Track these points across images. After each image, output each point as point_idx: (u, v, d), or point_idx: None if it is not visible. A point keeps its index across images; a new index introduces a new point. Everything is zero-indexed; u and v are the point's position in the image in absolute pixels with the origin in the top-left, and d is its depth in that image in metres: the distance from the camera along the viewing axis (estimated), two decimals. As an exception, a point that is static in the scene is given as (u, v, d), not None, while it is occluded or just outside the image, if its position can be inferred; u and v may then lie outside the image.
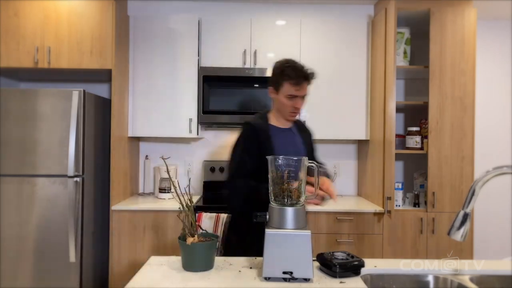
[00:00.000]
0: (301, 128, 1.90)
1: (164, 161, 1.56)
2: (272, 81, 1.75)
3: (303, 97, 1.73)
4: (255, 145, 1.68)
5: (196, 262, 1.32)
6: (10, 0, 2.65)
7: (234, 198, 1.77)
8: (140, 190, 3.27)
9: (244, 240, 1.70)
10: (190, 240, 1.31)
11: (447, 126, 2.69)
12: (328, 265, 1.29)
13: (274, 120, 1.80)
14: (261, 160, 1.50)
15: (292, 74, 1.67)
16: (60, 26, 2.67)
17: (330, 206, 2.71)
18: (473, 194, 1.13)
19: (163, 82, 2.95)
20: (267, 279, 1.24)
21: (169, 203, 2.79)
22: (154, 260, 1.45)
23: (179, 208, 1.38)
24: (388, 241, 2.67)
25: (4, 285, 2.47)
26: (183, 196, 1.39)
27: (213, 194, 3.13)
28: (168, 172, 1.54)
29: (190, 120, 2.92)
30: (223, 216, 2.52)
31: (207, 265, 1.34)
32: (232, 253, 1.59)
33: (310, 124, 2.92)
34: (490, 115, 3.29)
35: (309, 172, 1.40)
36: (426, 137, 2.74)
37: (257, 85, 2.87)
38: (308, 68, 1.71)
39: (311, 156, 1.83)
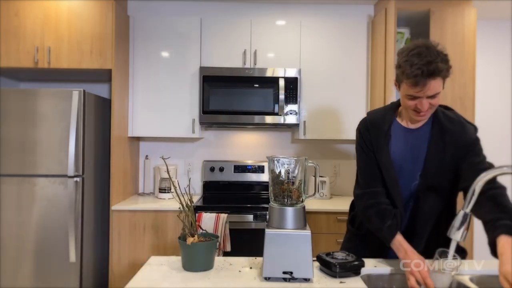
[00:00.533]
0: (445, 132, 1.35)
1: (164, 161, 1.57)
2: (396, 72, 1.33)
3: (432, 97, 1.27)
4: (367, 154, 1.41)
5: (196, 262, 1.32)
6: (10, 0, 2.65)
7: (364, 214, 1.46)
8: (140, 190, 3.27)
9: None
10: (190, 240, 1.31)
11: (447, 126, 2.68)
12: (328, 265, 1.29)
13: (402, 116, 1.42)
14: (381, 161, 1.34)
15: (411, 72, 1.22)
16: (60, 26, 2.67)
17: (330, 206, 2.71)
18: (473, 194, 1.12)
19: (163, 82, 2.95)
20: (267, 279, 1.24)
21: (169, 203, 2.79)
22: (154, 260, 1.45)
23: (179, 208, 1.38)
24: (388, 241, 2.67)
25: (4, 285, 2.47)
26: (183, 196, 1.39)
27: (213, 194, 3.13)
28: (168, 172, 1.54)
29: (193, 120, 2.93)
30: (223, 216, 2.53)
31: (207, 265, 1.34)
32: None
33: (310, 124, 2.96)
34: (490, 115, 3.29)
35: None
36: (426, 137, 2.74)
37: (257, 85, 2.87)
38: (438, 57, 1.22)
39: (440, 169, 1.32)
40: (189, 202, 1.39)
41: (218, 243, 1.57)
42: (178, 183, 1.58)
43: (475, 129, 1.38)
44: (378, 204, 1.37)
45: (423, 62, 1.21)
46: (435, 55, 1.22)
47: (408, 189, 1.39)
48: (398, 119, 1.43)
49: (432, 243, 1.32)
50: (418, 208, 1.38)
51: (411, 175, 1.37)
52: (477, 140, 1.34)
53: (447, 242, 1.16)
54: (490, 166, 1.27)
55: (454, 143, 1.33)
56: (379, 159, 1.39)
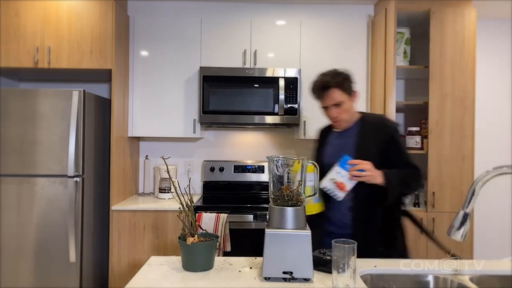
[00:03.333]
0: (368, 128, 1.66)
1: (164, 161, 1.57)
2: None
3: (336, 105, 1.63)
4: (317, 149, 1.82)
5: (196, 262, 1.32)
6: (10, 0, 2.65)
7: None
8: (140, 190, 3.27)
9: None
10: (190, 240, 1.31)
11: (447, 126, 2.68)
12: (324, 262, 1.29)
13: None
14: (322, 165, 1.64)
15: (313, 87, 1.67)
16: (60, 26, 2.67)
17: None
18: (473, 194, 1.13)
19: (163, 82, 2.95)
20: (267, 279, 1.24)
21: (169, 203, 2.79)
22: (154, 260, 1.45)
23: (179, 208, 1.38)
24: (388, 241, 2.67)
25: (4, 285, 2.47)
26: (183, 196, 1.39)
27: (213, 194, 3.13)
28: (168, 172, 1.54)
29: (194, 120, 2.93)
30: (223, 216, 2.53)
31: (207, 265, 1.34)
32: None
33: (310, 125, 2.96)
34: (490, 115, 3.29)
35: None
36: (426, 137, 2.74)
37: (257, 85, 2.87)
38: (330, 76, 1.63)
39: (368, 160, 1.55)
40: (189, 202, 1.39)
41: (218, 243, 1.57)
42: (178, 183, 1.58)
43: (396, 124, 1.71)
44: None
45: (319, 79, 1.65)
46: (328, 74, 1.64)
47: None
48: (334, 129, 1.78)
49: (376, 224, 1.61)
50: (358, 195, 1.60)
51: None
52: (396, 132, 1.65)
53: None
54: (408, 158, 1.62)
55: (377, 136, 1.63)
56: (319, 160, 1.71)
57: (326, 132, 1.82)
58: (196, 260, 1.32)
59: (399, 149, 1.63)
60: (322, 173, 1.57)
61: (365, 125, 1.67)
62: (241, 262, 1.43)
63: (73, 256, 2.47)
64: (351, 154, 1.57)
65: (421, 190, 1.75)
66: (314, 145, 1.89)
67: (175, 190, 1.43)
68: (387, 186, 1.52)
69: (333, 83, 1.60)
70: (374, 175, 1.50)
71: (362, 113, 1.74)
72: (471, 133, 2.68)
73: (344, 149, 1.63)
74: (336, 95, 1.61)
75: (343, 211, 1.64)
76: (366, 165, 1.50)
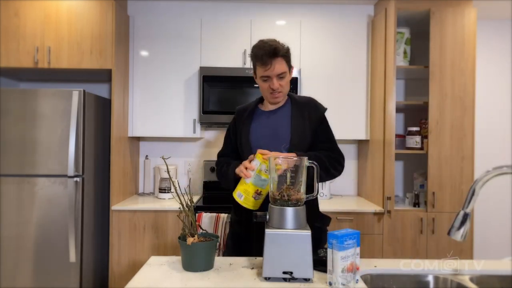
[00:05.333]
0: (301, 108, 1.65)
1: (165, 161, 1.57)
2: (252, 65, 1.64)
3: (279, 76, 1.55)
4: (233, 129, 1.71)
5: (196, 262, 1.32)
6: (10, 0, 2.65)
7: (218, 176, 1.80)
8: (140, 190, 3.27)
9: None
10: (190, 240, 1.31)
11: (447, 126, 2.68)
12: (323, 261, 1.29)
13: (265, 103, 1.71)
14: (240, 142, 1.64)
15: (258, 53, 1.53)
16: (60, 26, 2.67)
17: (330, 206, 2.71)
18: (473, 194, 1.13)
19: (163, 82, 2.95)
20: (267, 279, 1.24)
21: (169, 203, 2.79)
22: (154, 260, 1.45)
23: (179, 208, 1.38)
24: (388, 241, 2.67)
25: (4, 285, 2.47)
26: (183, 196, 1.39)
27: (213, 194, 3.13)
28: (168, 172, 1.54)
29: (194, 120, 2.93)
30: (223, 216, 2.52)
31: (207, 265, 1.34)
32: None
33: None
34: (490, 115, 3.30)
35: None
36: (426, 137, 2.74)
37: (257, 85, 2.86)
38: (277, 43, 1.55)
39: (303, 139, 1.59)
40: (189, 202, 1.39)
41: (218, 243, 1.57)
42: (178, 183, 1.58)
43: (325, 108, 1.69)
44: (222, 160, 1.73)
45: (267, 45, 1.53)
46: (275, 41, 1.56)
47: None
48: (261, 107, 1.71)
49: (313, 202, 1.62)
50: None
51: (275, 149, 1.50)
52: (325, 117, 1.67)
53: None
54: (335, 143, 1.67)
55: (310, 117, 1.62)
56: (240, 140, 1.66)
57: (249, 111, 1.69)
58: (196, 260, 1.32)
59: (328, 131, 1.67)
60: (247, 153, 1.57)
61: (297, 105, 1.65)
62: (241, 262, 1.43)
63: (73, 256, 2.47)
64: (287, 134, 1.58)
65: (337, 175, 1.70)
66: (230, 125, 1.76)
67: (175, 190, 1.43)
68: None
69: (282, 51, 1.53)
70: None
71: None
72: (471, 133, 2.68)
73: (278, 129, 1.61)
74: (283, 65, 1.55)
75: None
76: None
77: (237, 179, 1.53)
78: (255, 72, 1.63)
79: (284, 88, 1.59)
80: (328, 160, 1.59)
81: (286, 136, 1.58)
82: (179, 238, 1.35)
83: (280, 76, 1.55)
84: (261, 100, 1.74)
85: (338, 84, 2.99)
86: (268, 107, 1.69)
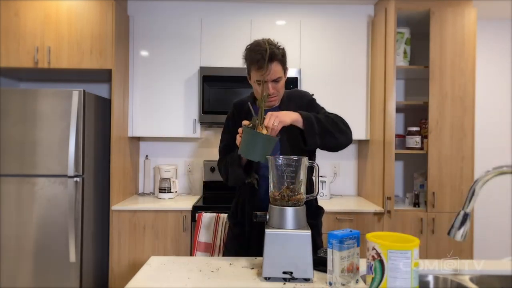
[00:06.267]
0: (289, 100, 1.63)
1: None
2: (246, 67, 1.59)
3: (274, 81, 1.51)
4: (233, 124, 1.63)
5: (256, 151, 1.30)
6: (10, 0, 2.65)
7: (222, 175, 1.70)
8: (140, 190, 3.27)
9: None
10: (260, 128, 1.29)
11: (447, 126, 2.69)
12: (324, 262, 1.29)
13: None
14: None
15: (254, 57, 1.47)
16: (60, 26, 2.67)
17: (330, 206, 2.71)
18: (473, 194, 1.13)
19: (163, 82, 2.95)
20: (267, 279, 1.24)
21: (169, 203, 2.79)
22: (154, 260, 1.46)
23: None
24: (388, 241, 2.67)
25: (4, 285, 2.47)
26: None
27: (213, 194, 3.13)
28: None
29: (194, 120, 2.93)
30: (223, 216, 2.52)
31: (263, 156, 1.31)
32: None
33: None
34: (490, 115, 3.30)
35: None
36: (426, 137, 2.74)
37: (257, 85, 2.87)
38: (273, 46, 1.49)
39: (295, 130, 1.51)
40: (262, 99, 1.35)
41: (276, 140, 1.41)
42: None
43: (312, 94, 1.67)
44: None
45: (263, 49, 1.44)
46: (272, 44, 1.49)
47: (274, 152, 1.51)
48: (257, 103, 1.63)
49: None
50: None
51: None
52: (314, 100, 1.64)
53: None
54: (331, 113, 1.56)
55: (298, 105, 1.56)
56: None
57: (247, 107, 1.61)
58: (257, 149, 1.29)
59: (320, 108, 1.61)
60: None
61: (285, 101, 1.61)
62: (241, 262, 1.43)
63: (73, 256, 2.47)
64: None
65: (349, 134, 1.59)
66: (229, 116, 1.72)
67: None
68: (304, 120, 1.41)
69: (279, 55, 1.48)
70: (283, 114, 1.37)
71: None
72: (471, 133, 2.68)
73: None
74: (279, 69, 1.50)
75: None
76: (272, 116, 1.34)
77: (243, 165, 1.50)
78: (249, 74, 1.59)
79: (279, 92, 1.56)
80: (332, 118, 1.51)
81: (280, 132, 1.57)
82: (247, 126, 1.32)
83: (276, 81, 1.52)
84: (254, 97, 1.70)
85: (338, 84, 2.99)
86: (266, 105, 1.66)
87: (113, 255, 2.68)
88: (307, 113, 1.45)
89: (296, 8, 3.05)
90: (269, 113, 1.36)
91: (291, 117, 1.40)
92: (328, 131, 1.46)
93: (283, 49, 1.53)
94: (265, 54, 1.42)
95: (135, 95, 2.96)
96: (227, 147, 1.70)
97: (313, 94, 1.68)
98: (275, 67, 1.48)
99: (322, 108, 1.63)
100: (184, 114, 2.96)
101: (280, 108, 1.60)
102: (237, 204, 1.70)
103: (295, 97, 1.64)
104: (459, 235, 1.15)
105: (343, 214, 2.67)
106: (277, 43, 1.53)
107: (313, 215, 1.64)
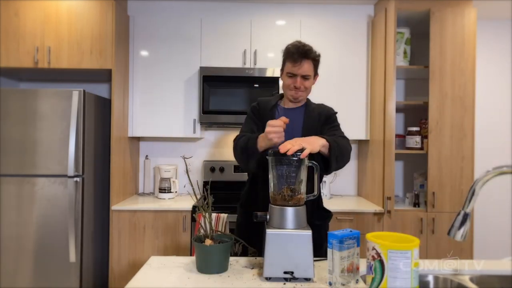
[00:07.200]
0: (313, 109, 1.72)
1: (185, 161, 1.55)
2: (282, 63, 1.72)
3: (304, 77, 1.62)
4: (255, 122, 1.72)
5: (212, 264, 1.31)
6: (10, 0, 2.65)
7: (237, 159, 1.68)
8: (140, 190, 3.27)
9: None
10: (208, 242, 1.30)
11: (447, 126, 2.69)
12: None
13: (284, 100, 1.76)
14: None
15: (291, 49, 1.62)
16: (60, 26, 2.67)
17: (330, 206, 2.71)
18: (473, 194, 1.13)
19: (163, 82, 2.95)
20: (268, 279, 1.24)
21: (169, 203, 2.79)
22: (154, 260, 1.46)
23: (195, 207, 1.37)
24: (388, 241, 2.67)
25: (4, 285, 2.47)
26: (202, 196, 1.36)
27: (213, 194, 3.12)
28: (187, 172, 1.50)
29: (194, 120, 2.93)
30: (223, 216, 2.53)
31: (222, 268, 1.32)
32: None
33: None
34: (490, 115, 3.30)
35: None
36: (426, 137, 2.74)
37: (257, 85, 2.87)
38: (311, 47, 1.62)
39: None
40: (206, 205, 1.38)
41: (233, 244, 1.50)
42: (197, 183, 1.56)
43: (335, 110, 1.77)
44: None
45: (301, 45, 1.61)
46: (308, 45, 1.62)
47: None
48: (281, 103, 1.77)
49: (315, 199, 1.52)
50: None
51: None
52: (335, 115, 1.75)
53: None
54: (342, 134, 1.67)
55: (320, 116, 1.70)
56: (261, 130, 1.60)
57: (272, 106, 1.73)
58: (213, 262, 1.31)
59: (336, 126, 1.71)
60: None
61: (310, 107, 1.73)
62: (241, 262, 1.43)
63: (73, 256, 2.47)
64: (299, 131, 1.65)
65: (346, 163, 1.61)
66: (253, 110, 1.77)
67: (193, 190, 1.43)
68: (330, 144, 1.46)
69: (313, 55, 1.62)
70: (312, 142, 1.40)
71: None
72: (471, 133, 2.68)
73: (296, 124, 1.65)
74: (310, 67, 1.62)
75: None
76: (296, 143, 1.32)
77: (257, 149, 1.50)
78: (282, 68, 1.69)
79: (306, 89, 1.66)
80: (345, 143, 1.58)
81: (298, 133, 1.64)
82: (195, 240, 1.34)
83: (305, 77, 1.62)
84: (281, 96, 1.80)
85: (338, 84, 2.99)
86: (287, 104, 1.74)
87: (113, 255, 2.68)
88: (330, 138, 1.50)
89: (296, 8, 3.05)
90: (296, 139, 1.38)
91: (319, 143, 1.42)
92: (342, 156, 1.54)
93: (319, 55, 1.66)
94: (302, 49, 1.59)
95: (135, 95, 2.96)
96: (243, 134, 1.72)
97: (336, 112, 1.77)
98: (307, 64, 1.61)
99: (339, 125, 1.74)
100: (184, 114, 2.96)
101: (304, 112, 1.71)
102: (250, 191, 1.76)
103: (321, 108, 1.75)
104: (459, 235, 1.15)
105: (343, 214, 2.67)
106: (316, 50, 1.66)
107: (320, 216, 1.68)
